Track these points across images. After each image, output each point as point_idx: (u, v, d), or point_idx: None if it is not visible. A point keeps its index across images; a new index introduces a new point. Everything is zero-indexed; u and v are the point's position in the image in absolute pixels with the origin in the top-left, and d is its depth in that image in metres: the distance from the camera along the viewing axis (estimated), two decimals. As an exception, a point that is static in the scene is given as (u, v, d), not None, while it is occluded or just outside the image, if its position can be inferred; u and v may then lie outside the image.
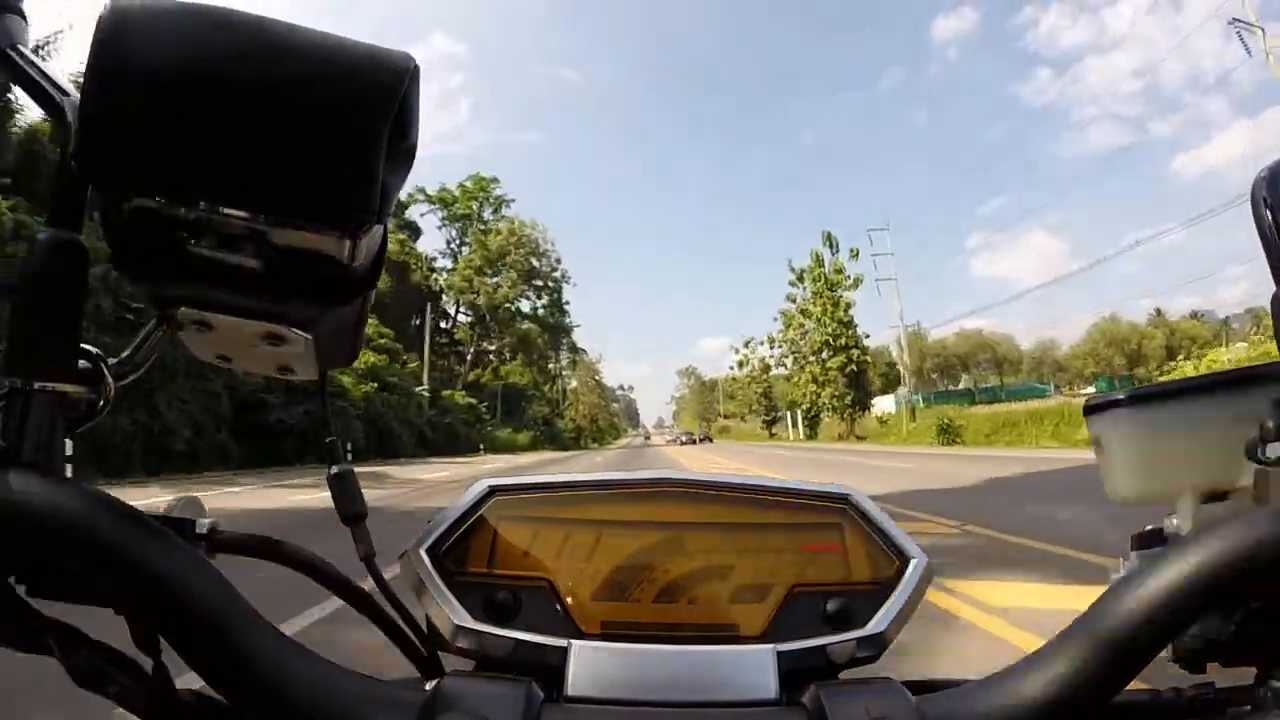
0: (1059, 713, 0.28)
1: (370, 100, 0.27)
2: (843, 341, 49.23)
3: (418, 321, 48.66)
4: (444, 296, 56.43)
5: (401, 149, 0.28)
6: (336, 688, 0.30)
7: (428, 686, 0.32)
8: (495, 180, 60.82)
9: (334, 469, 0.40)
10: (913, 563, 0.39)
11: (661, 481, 0.40)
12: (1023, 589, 3.82)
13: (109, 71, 0.26)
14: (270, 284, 0.30)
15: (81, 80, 0.26)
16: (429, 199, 59.20)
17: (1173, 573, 0.28)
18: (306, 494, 10.59)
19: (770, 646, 0.36)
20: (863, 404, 50.65)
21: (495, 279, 56.73)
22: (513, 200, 61.89)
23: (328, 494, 0.40)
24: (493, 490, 0.40)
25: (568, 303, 65.17)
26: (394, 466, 21.24)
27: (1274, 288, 0.35)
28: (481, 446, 40.31)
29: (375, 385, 29.83)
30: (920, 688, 0.32)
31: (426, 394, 38.54)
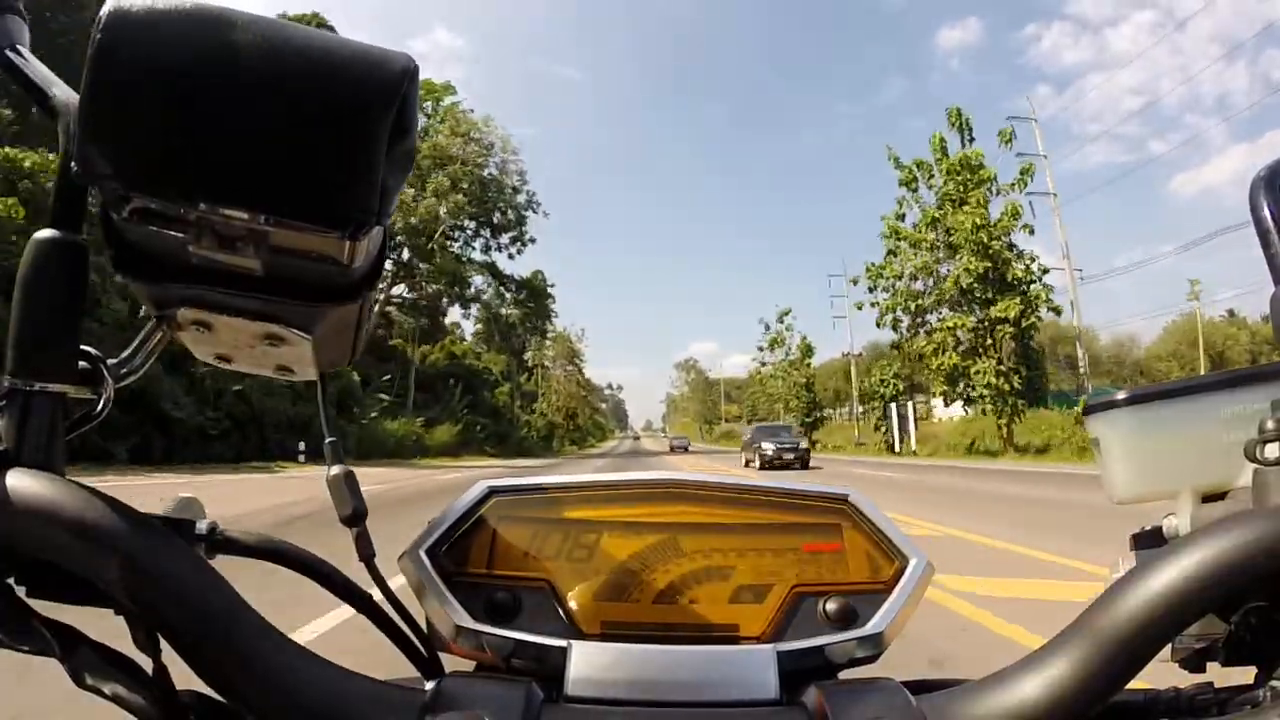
0: (1058, 713, 0.28)
1: (370, 100, 0.27)
2: (1012, 276, 25.86)
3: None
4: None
5: (401, 149, 0.28)
6: (336, 688, 0.30)
7: (428, 687, 0.32)
8: (450, 88, 39.54)
9: (333, 470, 0.40)
10: (912, 563, 0.39)
11: (661, 483, 0.41)
12: None
13: (109, 71, 0.26)
14: (270, 285, 0.30)
15: (81, 80, 0.26)
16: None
17: (1172, 573, 0.28)
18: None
19: (770, 647, 0.36)
20: (1035, 389, 27.92)
21: (425, 196, 35.01)
22: (464, 103, 40.18)
23: None
24: (492, 491, 0.40)
25: (532, 240, 40.61)
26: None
27: (1273, 288, 0.35)
28: (302, 453, 19.61)
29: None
30: (920, 688, 0.32)
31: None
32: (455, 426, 35.60)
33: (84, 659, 0.32)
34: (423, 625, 0.39)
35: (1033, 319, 26.21)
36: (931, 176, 28.43)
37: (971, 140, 27.75)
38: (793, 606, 0.38)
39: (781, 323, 50.29)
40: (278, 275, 0.30)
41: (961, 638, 3.02)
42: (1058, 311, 27.72)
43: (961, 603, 3.58)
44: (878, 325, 30.59)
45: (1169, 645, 0.29)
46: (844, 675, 0.37)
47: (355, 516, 0.39)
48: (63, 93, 0.35)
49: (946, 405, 35.12)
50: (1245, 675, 0.37)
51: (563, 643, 0.36)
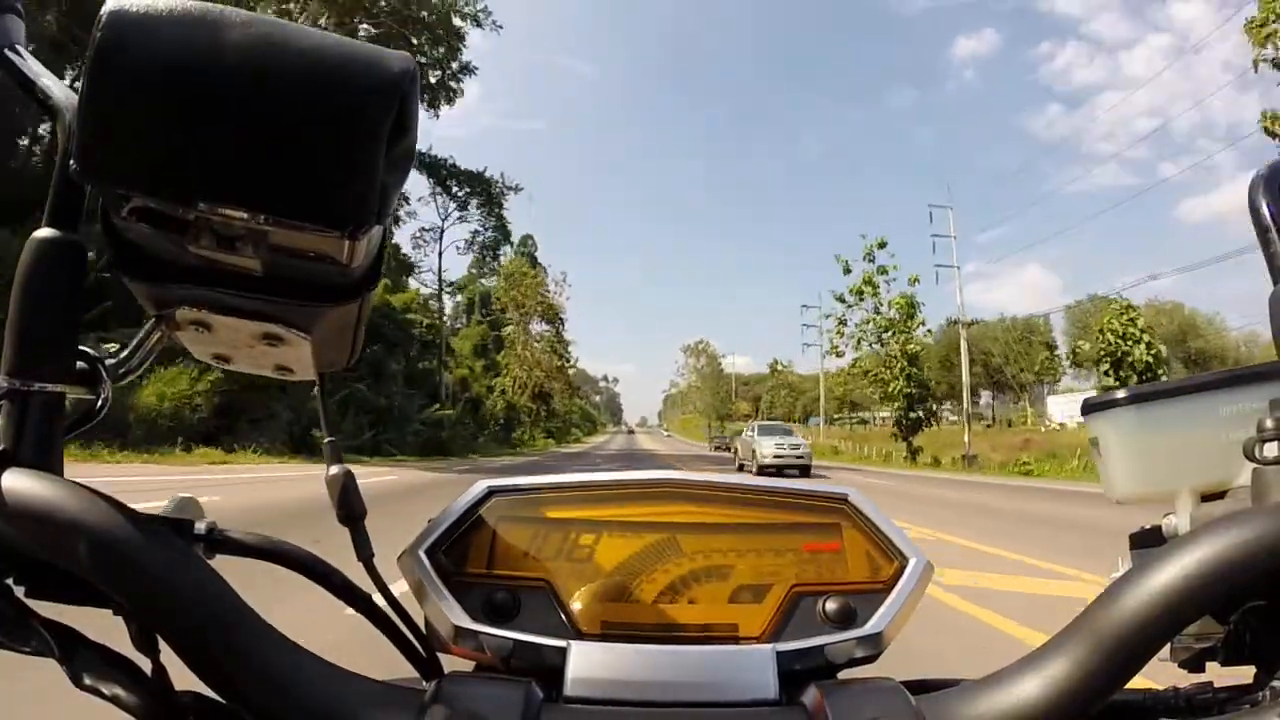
0: (1058, 712, 0.28)
1: (370, 100, 0.27)
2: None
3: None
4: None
5: (401, 149, 0.28)
6: (336, 688, 0.30)
7: (427, 687, 0.32)
8: None
9: (331, 469, 0.40)
10: (912, 563, 0.39)
11: (661, 482, 0.41)
12: None
13: (108, 71, 0.26)
14: (269, 284, 0.30)
15: (80, 80, 0.26)
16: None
17: (1171, 572, 0.28)
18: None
19: (770, 646, 0.36)
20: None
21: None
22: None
23: None
24: (491, 491, 0.40)
25: (472, 70, 29.21)
26: None
27: (1273, 286, 0.35)
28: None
29: None
30: (919, 688, 0.32)
31: None
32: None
33: (83, 659, 0.32)
34: (422, 625, 0.39)
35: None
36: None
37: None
38: (792, 606, 0.38)
39: (872, 261, 32.65)
40: (277, 275, 0.30)
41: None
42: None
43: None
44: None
45: (1168, 645, 0.29)
46: (843, 675, 0.37)
47: (353, 517, 0.39)
48: (61, 91, 0.34)
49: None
50: (1245, 675, 0.37)
51: (562, 643, 0.36)
